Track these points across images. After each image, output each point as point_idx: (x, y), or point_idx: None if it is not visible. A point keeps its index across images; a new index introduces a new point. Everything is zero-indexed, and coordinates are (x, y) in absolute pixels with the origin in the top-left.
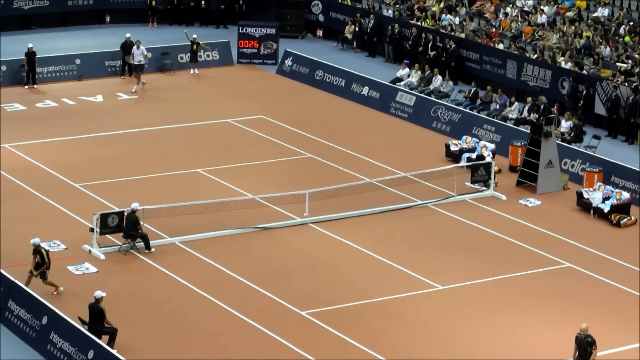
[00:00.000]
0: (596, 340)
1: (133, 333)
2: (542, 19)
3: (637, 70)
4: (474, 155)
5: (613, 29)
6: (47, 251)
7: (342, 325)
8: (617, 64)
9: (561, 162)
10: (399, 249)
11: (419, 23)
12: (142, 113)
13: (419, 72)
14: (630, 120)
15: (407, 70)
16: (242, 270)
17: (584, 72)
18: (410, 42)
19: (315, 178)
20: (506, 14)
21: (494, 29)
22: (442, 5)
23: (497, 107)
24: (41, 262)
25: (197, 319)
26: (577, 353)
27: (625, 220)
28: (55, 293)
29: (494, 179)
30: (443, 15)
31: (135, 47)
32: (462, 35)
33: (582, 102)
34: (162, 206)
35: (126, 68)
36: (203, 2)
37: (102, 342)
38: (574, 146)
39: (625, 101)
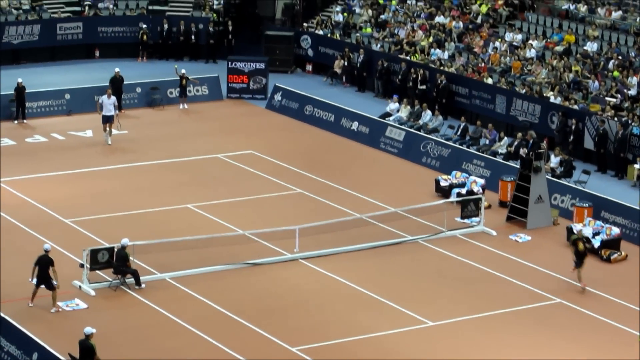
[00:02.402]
0: None
1: None
2: (531, 53)
3: (626, 104)
4: (463, 191)
5: (602, 63)
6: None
7: None
8: (607, 98)
9: (551, 197)
10: (389, 285)
11: (408, 57)
12: (131, 148)
13: (408, 107)
14: (619, 155)
15: (396, 105)
16: (233, 306)
17: (574, 106)
18: (399, 76)
19: (306, 213)
20: (495, 49)
21: (483, 64)
22: (431, 39)
23: (487, 142)
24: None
25: (188, 355)
26: None
27: (615, 255)
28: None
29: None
30: (432, 50)
31: (105, 96)
32: (452, 70)
33: (571, 136)
34: (152, 242)
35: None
36: (192, 37)
37: None
38: (563, 181)
39: (615, 136)
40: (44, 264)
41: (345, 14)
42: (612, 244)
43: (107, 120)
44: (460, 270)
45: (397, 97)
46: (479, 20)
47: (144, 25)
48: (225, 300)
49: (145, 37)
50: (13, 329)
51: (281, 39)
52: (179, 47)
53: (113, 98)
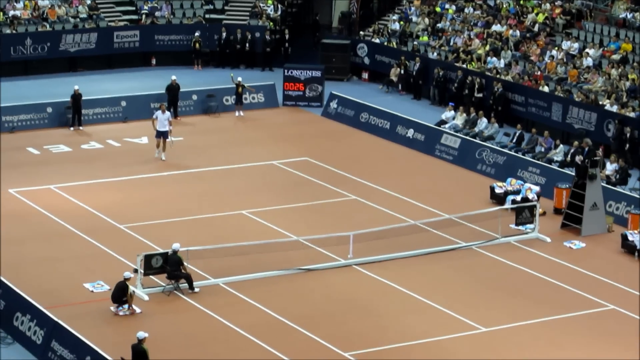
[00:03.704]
0: None
1: None
2: (587, 61)
3: None
4: (518, 198)
5: None
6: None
7: None
8: None
9: (606, 204)
10: (442, 291)
11: (464, 66)
12: (187, 155)
13: (464, 114)
14: None
15: (452, 112)
16: (286, 312)
17: (631, 114)
18: (455, 84)
19: (360, 220)
20: (552, 57)
21: (539, 72)
22: (487, 48)
23: (542, 149)
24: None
25: None
26: None
27: None
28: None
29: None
30: (488, 58)
31: (160, 111)
32: (508, 78)
33: (627, 144)
34: (206, 247)
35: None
36: (248, 45)
37: None
38: (618, 188)
39: None
40: (119, 289)
41: (402, 23)
42: None
43: (161, 135)
44: (514, 276)
45: (452, 105)
46: (535, 29)
47: (197, 33)
48: (279, 305)
49: (198, 45)
50: (66, 332)
51: (338, 47)
52: (236, 55)
53: (167, 113)
